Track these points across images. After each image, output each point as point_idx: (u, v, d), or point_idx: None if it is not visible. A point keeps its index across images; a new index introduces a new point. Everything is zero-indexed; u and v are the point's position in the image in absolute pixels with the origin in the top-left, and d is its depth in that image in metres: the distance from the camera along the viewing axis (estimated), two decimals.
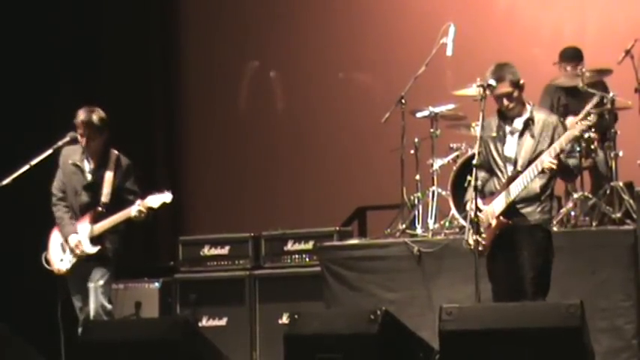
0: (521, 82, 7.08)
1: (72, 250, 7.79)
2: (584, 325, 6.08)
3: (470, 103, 8.40)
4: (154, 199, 7.79)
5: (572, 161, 7.12)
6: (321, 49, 11.71)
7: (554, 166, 6.85)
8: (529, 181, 6.94)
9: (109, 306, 7.80)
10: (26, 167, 7.77)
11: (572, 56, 9.35)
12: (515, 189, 6.94)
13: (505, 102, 7.05)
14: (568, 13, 10.81)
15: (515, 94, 7.06)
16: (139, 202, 7.75)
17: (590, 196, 8.69)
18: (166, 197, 7.81)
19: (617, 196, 8.60)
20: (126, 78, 11.44)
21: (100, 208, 7.80)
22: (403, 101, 9.28)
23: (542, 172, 6.91)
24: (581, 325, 6.04)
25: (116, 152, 7.95)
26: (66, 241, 7.83)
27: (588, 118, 7.16)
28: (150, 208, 7.76)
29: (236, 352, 8.84)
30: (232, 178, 11.89)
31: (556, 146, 6.88)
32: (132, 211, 7.72)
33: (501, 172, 7.06)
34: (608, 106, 8.87)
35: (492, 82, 7.05)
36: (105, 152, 7.92)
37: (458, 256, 8.06)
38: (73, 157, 7.92)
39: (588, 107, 9.01)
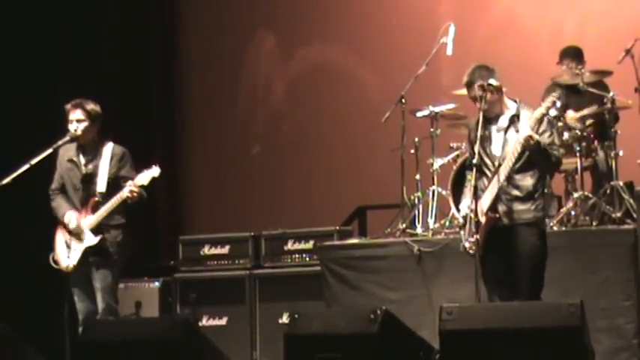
0: (496, 84, 7.07)
1: (71, 229, 7.78)
2: (584, 325, 6.08)
3: (470, 102, 8.38)
4: (143, 176, 7.76)
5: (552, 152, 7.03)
6: (321, 48, 11.71)
7: (530, 140, 6.79)
8: (510, 166, 6.92)
9: (114, 305, 7.79)
10: (26, 167, 7.76)
11: (574, 54, 9.36)
12: (499, 179, 6.93)
13: (477, 105, 7.07)
14: (568, 13, 10.80)
15: (487, 97, 7.05)
16: (129, 182, 7.75)
17: (590, 195, 8.69)
18: (154, 172, 7.76)
19: (618, 196, 8.61)
20: (126, 77, 11.44)
21: (96, 198, 7.80)
22: (403, 101, 9.28)
23: (522, 153, 6.86)
24: (581, 324, 6.04)
25: (110, 143, 7.96)
26: (62, 222, 7.83)
27: (553, 94, 7.15)
28: (141, 187, 7.75)
29: (236, 351, 8.83)
30: (232, 178, 11.89)
31: (530, 123, 6.88)
32: (124, 192, 7.72)
33: (489, 170, 7.06)
34: (609, 105, 8.89)
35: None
36: (99, 144, 7.92)
37: (458, 255, 8.04)
38: (69, 153, 7.92)
39: (586, 111, 9.04)
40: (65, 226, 7.83)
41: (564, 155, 8.27)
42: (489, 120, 7.12)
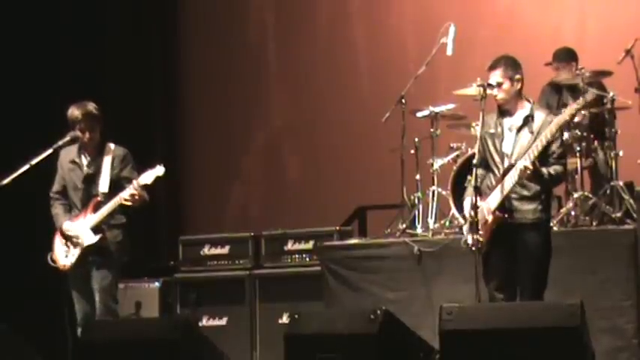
0: (517, 77, 7.08)
1: (68, 238, 7.79)
2: (584, 325, 6.08)
3: (470, 103, 8.41)
4: (147, 175, 7.76)
5: (555, 167, 6.99)
6: (321, 48, 11.72)
7: (527, 171, 6.80)
8: (515, 182, 6.91)
9: (113, 305, 7.80)
10: (26, 167, 7.76)
11: (564, 56, 9.37)
12: (510, 182, 6.93)
13: (495, 91, 7.05)
14: (568, 13, 10.81)
15: (506, 86, 7.05)
16: (134, 181, 7.76)
17: (590, 195, 8.69)
18: (159, 171, 7.77)
19: (618, 196, 8.61)
20: (126, 77, 11.45)
21: (99, 198, 7.81)
22: (403, 101, 9.28)
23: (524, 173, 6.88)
24: (581, 324, 6.04)
25: (111, 143, 7.96)
26: (61, 232, 7.83)
27: (577, 101, 7.17)
28: (144, 186, 7.75)
29: (236, 352, 8.83)
30: (232, 178, 11.90)
31: (552, 129, 6.88)
32: (125, 194, 7.72)
33: (497, 168, 7.04)
34: (608, 105, 8.89)
35: (492, 82, 7.06)
36: (101, 145, 7.93)
37: (458, 255, 8.06)
38: (70, 155, 7.95)
39: (588, 97, 9.03)
40: (63, 235, 7.83)
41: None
42: (503, 115, 7.11)
